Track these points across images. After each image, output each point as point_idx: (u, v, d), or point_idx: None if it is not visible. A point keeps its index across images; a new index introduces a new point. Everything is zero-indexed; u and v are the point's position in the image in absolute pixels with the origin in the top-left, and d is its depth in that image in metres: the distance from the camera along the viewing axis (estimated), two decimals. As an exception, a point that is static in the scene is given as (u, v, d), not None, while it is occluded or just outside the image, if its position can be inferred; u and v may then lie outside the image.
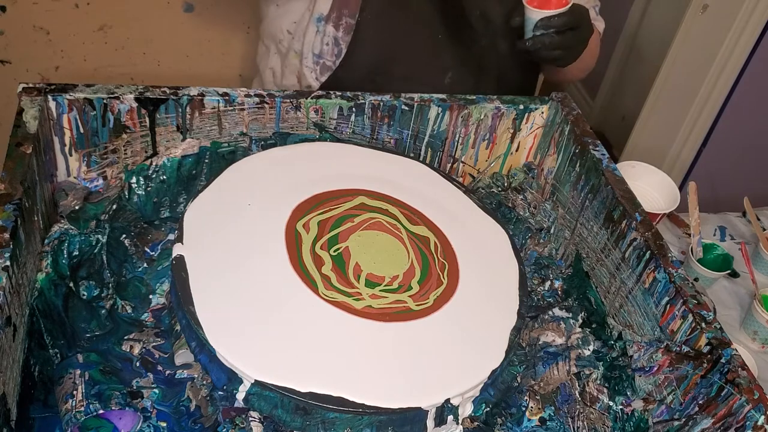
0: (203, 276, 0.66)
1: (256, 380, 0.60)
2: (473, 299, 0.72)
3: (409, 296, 0.70)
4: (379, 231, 0.76)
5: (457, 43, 1.04)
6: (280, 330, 0.64)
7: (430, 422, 0.64)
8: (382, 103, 0.88)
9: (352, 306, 0.67)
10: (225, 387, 0.63)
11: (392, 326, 0.66)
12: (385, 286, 0.70)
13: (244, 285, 0.66)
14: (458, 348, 0.67)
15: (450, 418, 0.65)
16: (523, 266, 0.78)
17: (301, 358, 0.62)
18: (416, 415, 0.62)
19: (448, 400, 0.63)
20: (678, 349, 0.71)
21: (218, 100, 0.82)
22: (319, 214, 0.75)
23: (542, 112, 0.95)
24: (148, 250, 0.79)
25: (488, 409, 0.70)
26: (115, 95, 0.79)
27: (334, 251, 0.72)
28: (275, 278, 0.68)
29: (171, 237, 0.81)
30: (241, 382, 0.61)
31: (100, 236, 0.75)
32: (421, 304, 0.69)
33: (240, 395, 0.62)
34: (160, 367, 0.69)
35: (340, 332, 0.65)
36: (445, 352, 0.66)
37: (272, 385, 0.59)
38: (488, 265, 0.77)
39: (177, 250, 0.68)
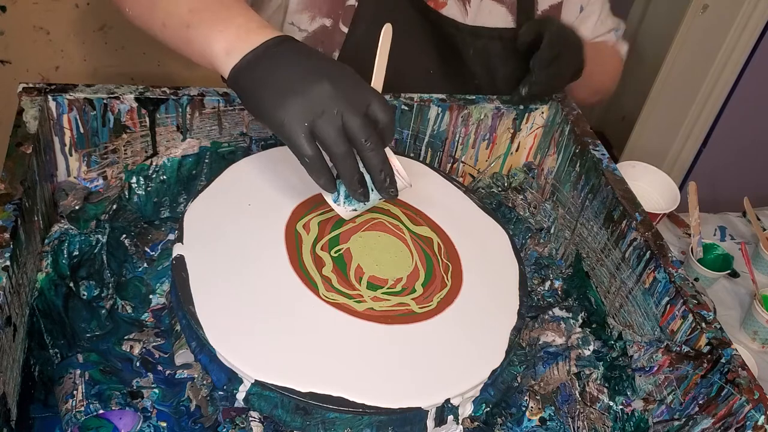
0: (203, 276, 0.66)
1: (256, 380, 0.60)
2: (475, 300, 0.72)
3: (413, 299, 0.70)
4: (381, 232, 0.76)
5: (452, 78, 0.99)
6: (281, 330, 0.64)
7: (430, 422, 0.64)
8: (382, 103, 0.88)
9: (353, 308, 0.67)
10: (225, 387, 0.63)
11: (393, 328, 0.66)
12: (387, 288, 0.70)
13: (244, 285, 0.66)
14: (459, 348, 0.67)
15: (450, 418, 0.65)
16: (524, 266, 0.78)
17: (301, 359, 0.62)
18: (416, 415, 0.62)
19: (448, 400, 0.63)
20: (678, 349, 0.71)
21: (218, 100, 0.82)
22: (319, 215, 0.75)
23: (542, 112, 0.95)
24: (148, 250, 0.79)
25: (488, 409, 0.70)
26: (115, 95, 0.79)
27: (335, 252, 0.72)
28: (275, 279, 0.67)
29: (171, 237, 0.81)
30: (241, 382, 0.61)
31: (100, 236, 0.75)
32: (424, 307, 0.69)
33: (240, 395, 0.62)
34: (160, 367, 0.69)
35: (341, 333, 0.65)
36: (445, 352, 0.66)
37: (272, 385, 0.59)
38: (489, 266, 0.77)
39: (177, 250, 0.68)
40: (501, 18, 0.96)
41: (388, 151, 0.67)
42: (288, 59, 0.63)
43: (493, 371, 0.66)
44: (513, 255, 0.78)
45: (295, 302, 0.66)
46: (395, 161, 0.68)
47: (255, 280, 0.67)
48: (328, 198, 0.69)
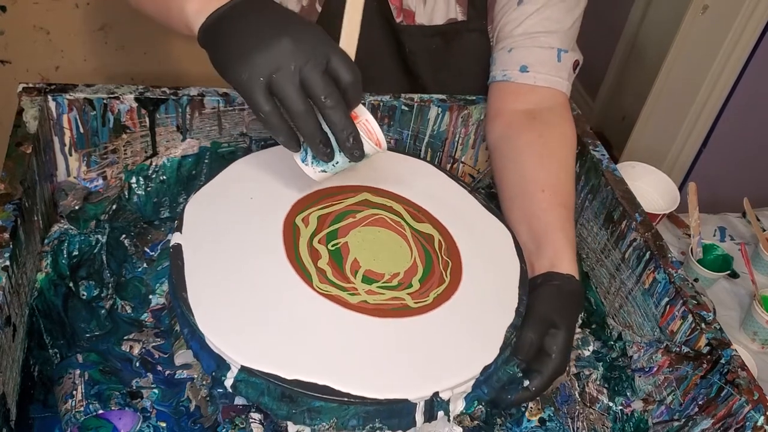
0: (199, 264, 0.66)
1: (242, 366, 0.59)
2: (473, 297, 0.71)
3: (408, 294, 0.69)
4: (382, 228, 0.75)
5: (402, 76, 0.98)
6: (270, 319, 0.63)
7: (419, 416, 0.63)
8: (382, 103, 0.88)
9: (347, 300, 0.67)
10: (214, 374, 0.62)
11: (385, 321, 0.66)
12: (383, 283, 0.70)
13: (238, 274, 0.66)
14: (452, 343, 0.66)
15: (440, 414, 0.64)
16: (525, 265, 0.77)
17: (289, 347, 0.61)
18: (404, 407, 0.61)
19: (436, 394, 0.62)
20: (678, 349, 0.71)
21: (218, 100, 0.82)
22: (319, 209, 0.75)
23: (542, 113, 0.95)
24: (148, 250, 0.79)
25: (481, 406, 0.68)
26: (115, 95, 0.79)
27: (332, 246, 0.72)
28: (270, 269, 0.67)
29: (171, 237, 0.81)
30: (228, 368, 0.61)
31: (99, 236, 0.75)
32: (419, 302, 0.69)
33: (228, 382, 0.61)
34: (159, 367, 0.69)
35: (332, 324, 0.64)
36: (438, 347, 0.66)
37: (258, 371, 0.59)
38: (491, 264, 0.76)
39: (175, 238, 0.68)
40: (450, 10, 0.92)
41: (364, 111, 0.66)
42: (252, 17, 0.64)
43: (486, 367, 0.65)
44: (515, 253, 0.78)
45: (287, 292, 0.66)
46: (373, 124, 0.67)
47: (249, 269, 0.67)
48: (297, 158, 0.68)
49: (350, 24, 0.67)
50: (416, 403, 0.62)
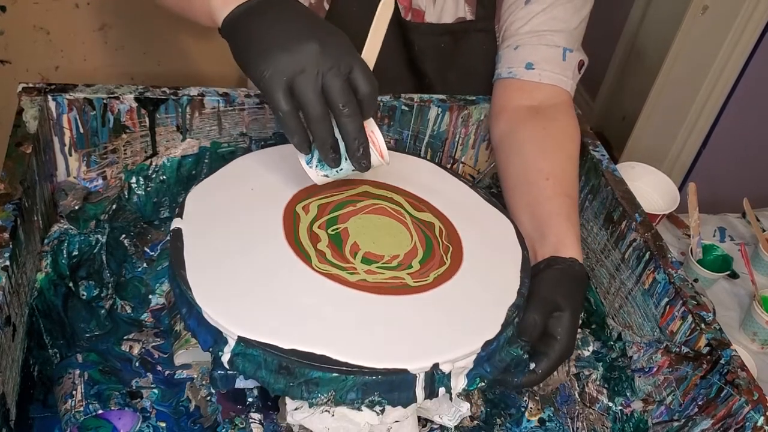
0: (198, 245, 0.66)
1: (239, 336, 0.59)
2: (474, 278, 0.71)
3: (408, 274, 0.69)
4: (382, 215, 0.75)
5: (409, 75, 0.99)
6: (269, 294, 0.63)
7: (419, 391, 0.61)
8: (382, 104, 0.88)
9: (346, 278, 0.66)
10: (211, 349, 0.62)
11: (385, 298, 0.65)
12: (383, 263, 0.69)
13: (236, 255, 0.66)
14: (453, 320, 0.66)
15: (442, 390, 0.62)
16: (527, 252, 0.76)
17: (287, 320, 0.61)
18: (404, 379, 0.60)
19: (437, 365, 0.61)
20: (677, 349, 0.71)
21: (218, 100, 0.82)
22: (320, 198, 0.75)
23: (542, 113, 0.95)
24: (148, 250, 0.79)
25: (483, 384, 0.66)
26: (115, 95, 0.79)
27: (332, 231, 0.71)
28: (268, 251, 0.67)
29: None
30: (226, 342, 0.60)
31: (99, 236, 0.75)
32: (419, 281, 0.68)
33: (225, 357, 0.60)
34: (159, 367, 0.69)
35: (330, 299, 0.64)
36: (438, 322, 0.65)
37: (255, 341, 0.59)
38: (492, 249, 0.75)
39: (175, 223, 0.68)
40: (459, 9, 0.93)
41: (372, 124, 0.67)
42: (280, 15, 0.64)
43: (487, 342, 0.64)
44: (517, 242, 0.77)
45: (286, 271, 0.65)
46: (378, 136, 0.68)
47: (248, 250, 0.67)
48: (302, 160, 0.69)
49: (375, 36, 0.67)
50: (416, 375, 0.60)
